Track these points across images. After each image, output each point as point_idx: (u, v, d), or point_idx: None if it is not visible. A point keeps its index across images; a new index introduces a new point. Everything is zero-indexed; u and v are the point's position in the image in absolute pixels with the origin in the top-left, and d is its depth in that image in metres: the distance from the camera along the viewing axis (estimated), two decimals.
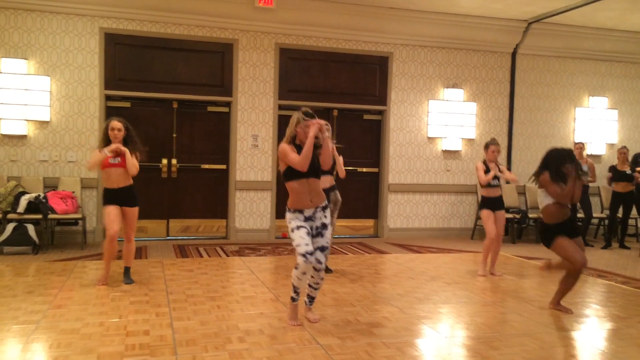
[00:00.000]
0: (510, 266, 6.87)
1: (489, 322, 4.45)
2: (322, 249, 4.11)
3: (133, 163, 5.25)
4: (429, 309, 4.78)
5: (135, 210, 5.40)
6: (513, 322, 4.47)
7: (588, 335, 4.29)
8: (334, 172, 6.02)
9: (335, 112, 9.11)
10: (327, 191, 5.77)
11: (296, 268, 4.04)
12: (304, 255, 3.95)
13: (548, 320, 4.58)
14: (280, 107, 8.75)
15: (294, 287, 4.16)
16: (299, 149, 4.05)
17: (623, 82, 10.35)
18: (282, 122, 8.85)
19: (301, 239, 4.00)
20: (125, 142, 5.30)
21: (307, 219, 4.08)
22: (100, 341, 3.74)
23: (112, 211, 5.24)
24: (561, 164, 4.68)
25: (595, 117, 10.14)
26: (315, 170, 4.09)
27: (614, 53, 10.09)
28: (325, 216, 4.14)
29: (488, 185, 6.17)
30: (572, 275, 4.70)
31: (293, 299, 4.24)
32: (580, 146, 8.98)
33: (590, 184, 9.01)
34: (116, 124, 5.28)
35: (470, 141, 9.55)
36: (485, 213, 6.20)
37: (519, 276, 6.30)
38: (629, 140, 10.13)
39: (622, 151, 8.78)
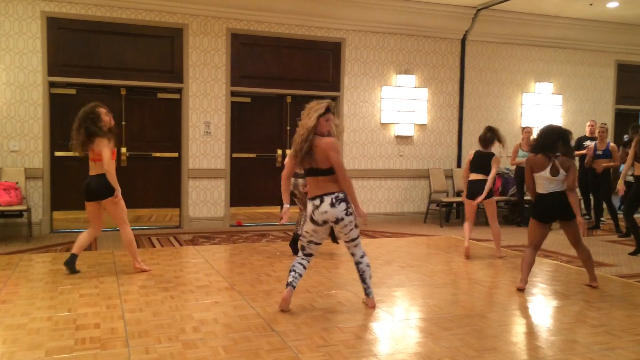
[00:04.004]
0: (462, 249, 7.03)
1: (441, 303, 4.56)
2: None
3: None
4: (383, 293, 4.85)
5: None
6: (464, 302, 4.60)
7: (535, 313, 4.45)
8: None
9: (289, 99, 9.06)
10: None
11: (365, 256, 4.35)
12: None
13: (497, 300, 4.73)
14: (233, 94, 8.64)
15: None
16: None
17: (566, 67, 10.69)
18: (235, 109, 8.75)
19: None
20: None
21: None
22: (49, 336, 3.63)
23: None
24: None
25: (541, 102, 10.45)
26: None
27: (558, 39, 10.39)
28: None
29: None
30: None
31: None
32: (529, 130, 9.27)
33: None
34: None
35: (422, 126, 9.69)
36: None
37: (470, 258, 6.47)
38: (573, 124, 10.46)
39: None
